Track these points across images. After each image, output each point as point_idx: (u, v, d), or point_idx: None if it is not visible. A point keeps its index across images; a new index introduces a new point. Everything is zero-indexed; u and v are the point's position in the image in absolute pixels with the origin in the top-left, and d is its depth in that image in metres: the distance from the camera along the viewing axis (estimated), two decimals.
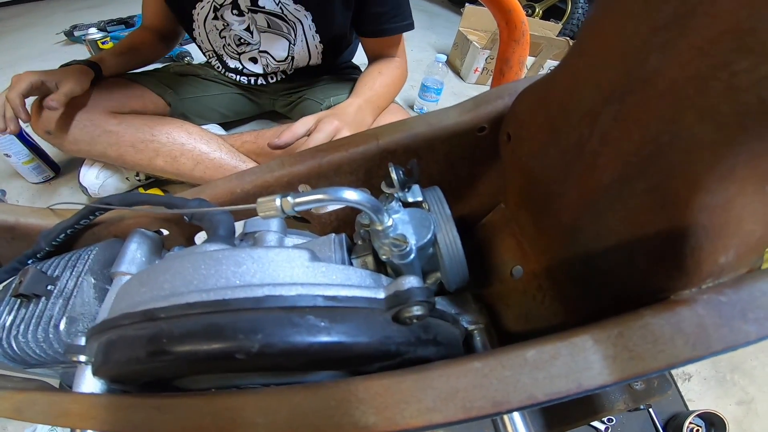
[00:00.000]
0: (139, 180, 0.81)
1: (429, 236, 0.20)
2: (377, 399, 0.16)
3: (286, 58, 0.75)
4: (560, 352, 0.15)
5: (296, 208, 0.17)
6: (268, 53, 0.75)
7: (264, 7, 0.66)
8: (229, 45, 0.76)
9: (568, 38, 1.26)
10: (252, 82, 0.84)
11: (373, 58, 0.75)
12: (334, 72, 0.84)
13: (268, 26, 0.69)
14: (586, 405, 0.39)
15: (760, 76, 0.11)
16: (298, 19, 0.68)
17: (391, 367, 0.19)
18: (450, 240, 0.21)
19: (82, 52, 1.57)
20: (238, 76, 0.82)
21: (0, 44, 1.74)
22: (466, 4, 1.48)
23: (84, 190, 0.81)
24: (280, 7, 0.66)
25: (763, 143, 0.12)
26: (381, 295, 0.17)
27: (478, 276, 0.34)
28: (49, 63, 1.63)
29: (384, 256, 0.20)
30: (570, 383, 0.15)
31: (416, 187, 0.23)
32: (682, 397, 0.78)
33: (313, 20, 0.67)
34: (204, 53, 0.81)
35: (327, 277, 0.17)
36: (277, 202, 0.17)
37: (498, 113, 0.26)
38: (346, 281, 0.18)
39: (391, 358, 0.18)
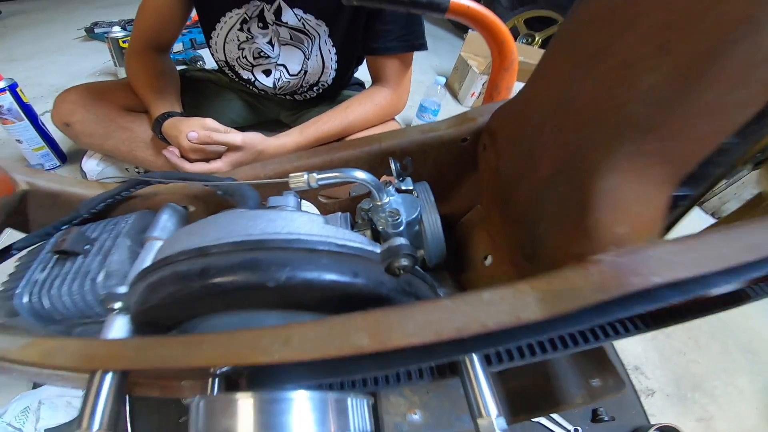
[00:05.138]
0: (138, 172, 0.84)
1: (416, 215, 0.26)
2: (371, 327, 0.21)
3: (299, 72, 0.80)
4: (507, 295, 0.21)
5: (319, 182, 0.23)
6: (284, 66, 0.80)
7: (287, 23, 0.71)
8: (244, 57, 0.79)
9: None
10: (261, 93, 0.88)
11: (373, 79, 0.79)
12: (341, 88, 0.89)
13: (290, 39, 0.74)
14: (549, 397, 0.44)
15: (629, 99, 0.17)
16: (317, 33, 0.72)
17: None
18: (432, 221, 0.27)
19: (100, 49, 1.63)
20: (249, 86, 0.87)
21: (22, 36, 1.80)
22: (469, 30, 1.58)
23: (83, 174, 0.83)
24: (302, 23, 0.71)
25: (633, 146, 0.18)
26: (378, 250, 0.23)
27: (457, 265, 0.40)
28: (67, 57, 1.68)
29: (380, 227, 0.25)
30: (512, 317, 0.20)
31: (409, 179, 0.29)
32: (644, 411, 0.80)
33: (329, 35, 0.72)
34: (216, 62, 0.86)
35: (337, 235, 0.23)
36: (305, 177, 0.23)
37: (478, 128, 0.33)
38: (352, 239, 0.23)
39: (382, 303, 0.23)
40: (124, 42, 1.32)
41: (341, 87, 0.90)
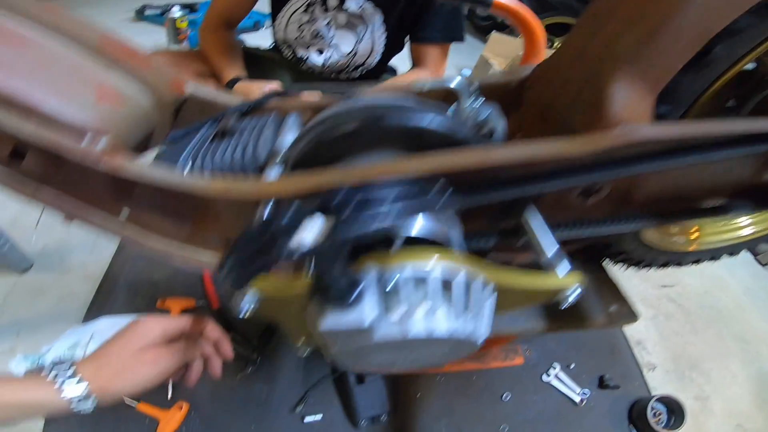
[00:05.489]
0: None
1: (489, 114, 0.39)
2: (476, 152, 0.32)
3: (350, 52, 0.90)
4: (560, 142, 0.33)
5: (429, 87, 0.36)
6: (337, 46, 0.90)
7: (347, 9, 0.83)
8: (303, 37, 0.90)
9: None
10: (308, 71, 0.97)
11: (415, 64, 0.91)
12: (380, 72, 1.01)
13: (346, 23, 0.85)
14: (577, 315, 0.54)
15: (619, 50, 0.32)
16: (373, 19, 0.84)
17: None
18: (499, 120, 0.40)
19: (148, 30, 1.77)
20: (301, 64, 0.97)
21: None
22: (493, 32, 1.67)
23: None
24: (361, 10, 0.82)
25: (626, 69, 0.32)
26: (469, 123, 0.36)
27: None
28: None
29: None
30: (563, 149, 0.32)
31: (482, 98, 0.42)
32: (646, 384, 0.86)
33: (383, 22, 0.84)
34: (275, 40, 0.95)
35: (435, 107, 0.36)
36: (422, 83, 0.36)
37: (524, 76, 0.47)
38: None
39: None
40: (181, 22, 1.47)
41: (381, 71, 1.01)
